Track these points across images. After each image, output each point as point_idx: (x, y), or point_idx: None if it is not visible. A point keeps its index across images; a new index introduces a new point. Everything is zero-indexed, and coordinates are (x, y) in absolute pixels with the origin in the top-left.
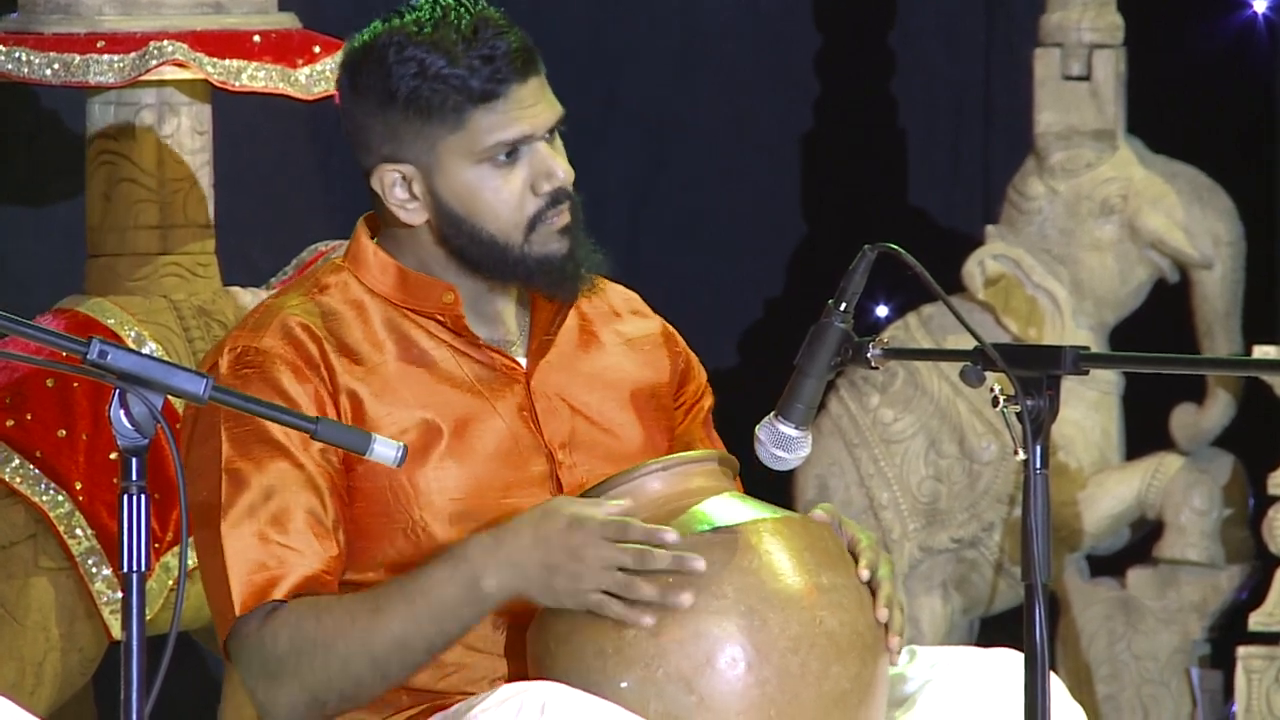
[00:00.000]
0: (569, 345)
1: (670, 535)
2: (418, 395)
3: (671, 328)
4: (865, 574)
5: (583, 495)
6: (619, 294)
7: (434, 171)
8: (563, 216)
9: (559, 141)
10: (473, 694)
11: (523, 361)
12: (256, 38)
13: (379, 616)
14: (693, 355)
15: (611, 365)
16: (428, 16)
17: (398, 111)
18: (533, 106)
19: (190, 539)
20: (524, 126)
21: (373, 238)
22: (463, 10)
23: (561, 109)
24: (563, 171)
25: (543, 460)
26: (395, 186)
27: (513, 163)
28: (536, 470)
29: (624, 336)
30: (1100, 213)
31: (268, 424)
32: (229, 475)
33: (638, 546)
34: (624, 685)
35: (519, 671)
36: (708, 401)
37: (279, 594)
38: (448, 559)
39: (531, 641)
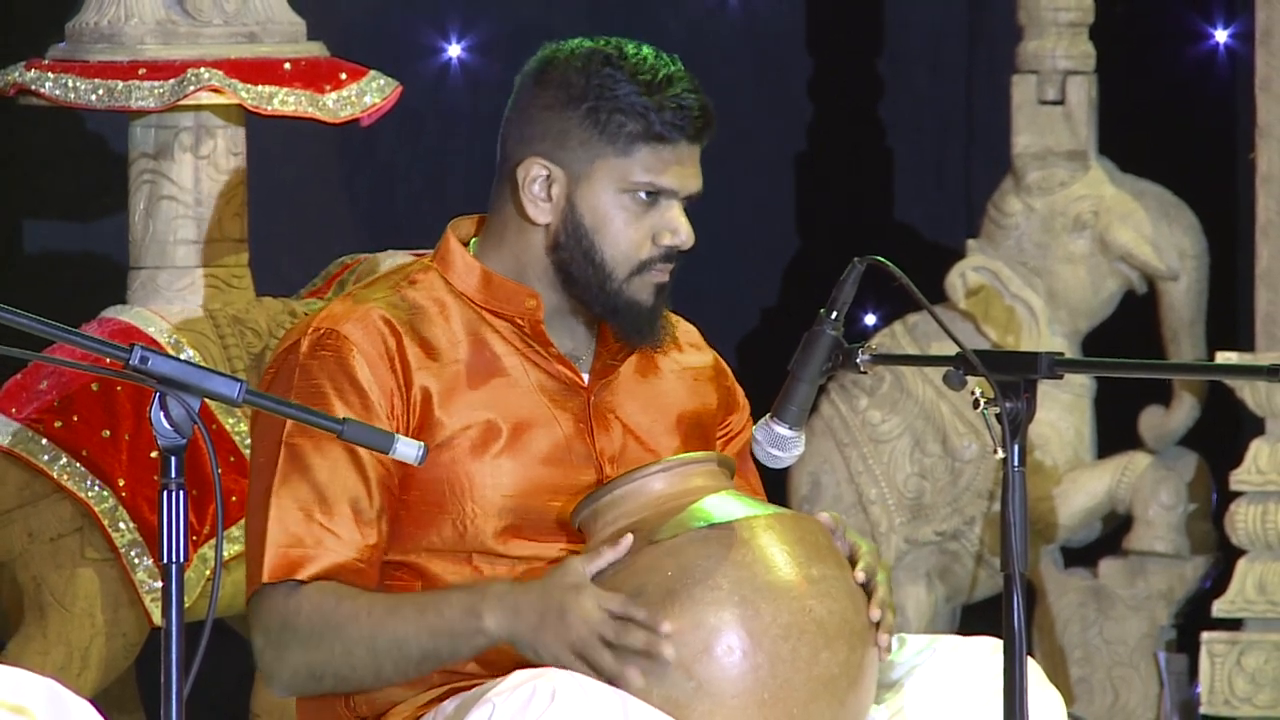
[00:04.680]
0: (628, 368)
1: (666, 626)
2: (483, 396)
3: (723, 362)
4: (861, 576)
5: (589, 495)
6: (681, 327)
7: (581, 181)
8: (665, 274)
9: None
10: (493, 676)
11: (585, 378)
12: (287, 65)
13: (390, 615)
14: (739, 389)
15: (666, 391)
16: (634, 52)
17: (575, 116)
18: (690, 168)
19: (223, 525)
20: (675, 181)
21: (465, 243)
22: (664, 60)
23: (701, 188)
24: (686, 234)
25: (591, 471)
26: (537, 182)
27: (650, 206)
28: (584, 479)
29: (680, 365)
30: (1073, 228)
31: (334, 408)
32: (288, 449)
33: (619, 620)
34: None
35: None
36: (748, 433)
37: (304, 575)
38: (470, 587)
39: None
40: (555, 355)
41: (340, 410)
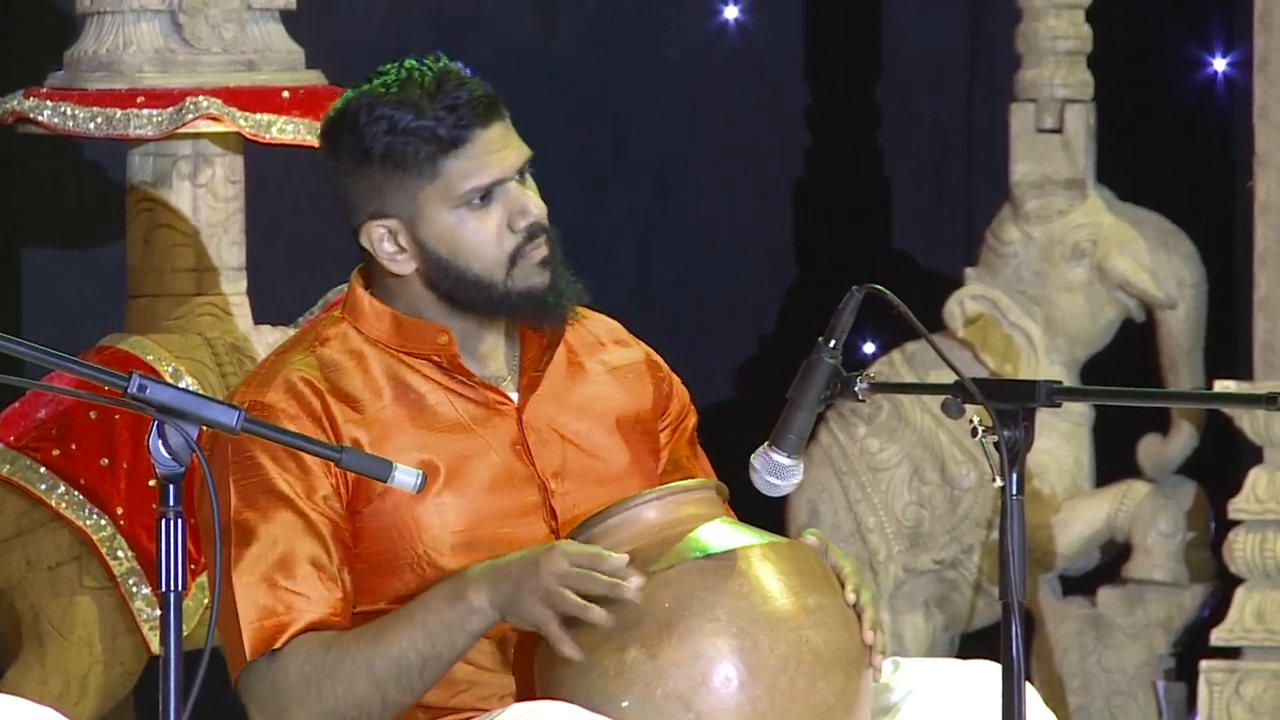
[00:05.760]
0: (557, 376)
1: (635, 580)
2: (415, 438)
3: (655, 354)
4: (851, 597)
5: (582, 524)
6: (602, 324)
7: (417, 221)
8: (540, 250)
9: (530, 181)
10: (484, 710)
11: (514, 396)
12: (286, 93)
13: (381, 635)
14: (675, 378)
15: (598, 394)
16: (394, 78)
17: (376, 169)
18: (500, 150)
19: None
20: (494, 171)
21: (367, 288)
22: (425, 68)
23: (529, 151)
24: (535, 207)
25: (535, 490)
26: (383, 241)
27: (488, 204)
28: (530, 500)
29: (608, 365)
30: (1071, 256)
31: (272, 476)
32: (237, 526)
33: (586, 571)
34: (625, 705)
35: (528, 689)
36: (691, 420)
37: (283, 641)
38: (449, 578)
39: (538, 663)
40: (479, 382)
41: (279, 480)
